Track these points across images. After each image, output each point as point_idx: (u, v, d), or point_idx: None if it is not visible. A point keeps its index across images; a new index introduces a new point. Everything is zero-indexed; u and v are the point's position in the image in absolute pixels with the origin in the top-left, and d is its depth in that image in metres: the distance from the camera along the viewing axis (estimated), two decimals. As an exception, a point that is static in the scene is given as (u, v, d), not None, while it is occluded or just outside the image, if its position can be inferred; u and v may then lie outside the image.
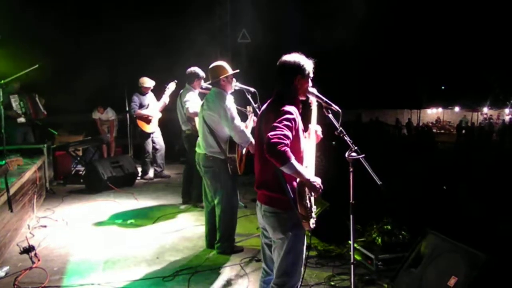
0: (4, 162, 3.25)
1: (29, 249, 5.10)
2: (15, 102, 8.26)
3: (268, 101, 3.20)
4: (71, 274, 4.58)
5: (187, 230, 5.98)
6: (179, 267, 4.74)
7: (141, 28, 10.12)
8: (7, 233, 5.19)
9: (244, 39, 11.61)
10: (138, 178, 8.89)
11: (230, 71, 4.98)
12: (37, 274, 4.57)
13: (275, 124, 2.86)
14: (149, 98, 8.78)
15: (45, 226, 6.11)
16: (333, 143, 7.74)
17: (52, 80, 8.39)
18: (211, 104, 4.89)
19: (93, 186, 8.00)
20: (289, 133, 2.85)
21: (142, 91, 8.75)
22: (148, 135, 8.81)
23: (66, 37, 9.45)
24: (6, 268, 4.58)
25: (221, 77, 4.92)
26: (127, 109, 9.87)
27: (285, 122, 2.88)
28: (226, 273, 4.63)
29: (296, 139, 2.96)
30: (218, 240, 5.10)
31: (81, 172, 8.95)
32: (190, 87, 6.70)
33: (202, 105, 5.08)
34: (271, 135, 2.80)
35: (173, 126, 7.92)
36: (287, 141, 2.81)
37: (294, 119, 2.93)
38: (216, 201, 4.99)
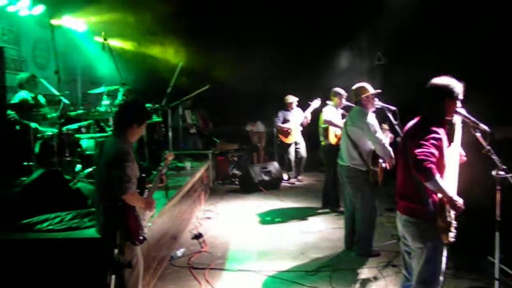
0: (163, 159, 3.65)
1: (198, 236, 5.57)
2: (188, 116, 9.13)
3: (415, 119, 3.10)
4: (231, 260, 4.89)
5: (326, 231, 5.98)
6: (321, 264, 4.78)
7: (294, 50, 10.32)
8: (183, 221, 5.74)
9: (379, 61, 11.29)
10: (283, 182, 9.14)
11: (371, 91, 4.92)
12: (204, 257, 4.98)
13: (422, 142, 2.78)
14: (294, 113, 9.02)
15: (209, 218, 6.62)
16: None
17: (214, 96, 9.03)
18: (355, 120, 4.90)
19: (246, 188, 8.45)
20: (435, 151, 2.76)
21: (287, 107, 9.08)
22: (288, 145, 9.07)
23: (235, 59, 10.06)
24: (182, 250, 5.08)
25: (362, 96, 4.91)
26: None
27: (432, 141, 2.79)
28: (364, 274, 4.53)
29: (441, 158, 2.84)
30: (356, 243, 5.03)
31: (236, 175, 9.47)
32: (332, 104, 6.77)
33: (346, 122, 5.11)
34: (418, 152, 2.73)
35: (315, 138, 8.01)
36: (433, 159, 2.73)
37: (440, 139, 2.83)
38: (356, 208, 4.94)
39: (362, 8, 9.82)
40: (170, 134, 7.44)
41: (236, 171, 9.64)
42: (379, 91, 4.98)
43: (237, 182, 9.08)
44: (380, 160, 4.87)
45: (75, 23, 8.51)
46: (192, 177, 6.55)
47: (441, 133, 2.86)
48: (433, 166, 2.70)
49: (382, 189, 5.30)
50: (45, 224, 3.96)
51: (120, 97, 6.90)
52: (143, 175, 3.33)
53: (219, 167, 9.35)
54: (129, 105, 3.40)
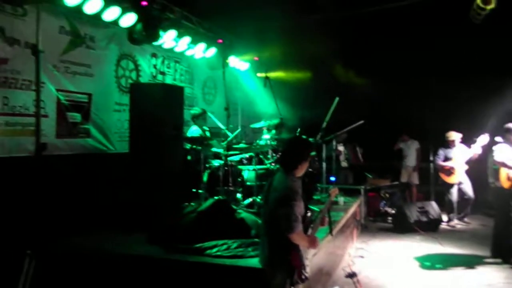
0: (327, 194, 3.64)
1: (352, 275, 5.38)
2: (341, 149, 9.15)
3: None
4: (389, 306, 4.65)
5: (499, 285, 5.27)
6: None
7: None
8: (336, 257, 5.69)
9: None
10: (443, 224, 8.44)
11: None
12: (360, 299, 4.82)
13: None
14: (456, 150, 8.43)
15: (362, 257, 6.42)
16: None
17: (367, 130, 8.91)
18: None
19: (400, 227, 8.03)
20: None
21: (448, 145, 8.53)
22: (450, 185, 8.44)
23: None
24: (336, 288, 5.01)
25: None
26: (430, 158, 9.61)
27: None
28: None
29: None
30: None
31: (389, 213, 9.09)
32: (505, 141, 6.12)
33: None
34: None
35: (482, 177, 7.29)
36: None
37: None
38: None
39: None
40: (324, 167, 7.54)
41: (388, 209, 9.25)
42: None
43: (389, 220, 8.71)
44: None
45: (239, 62, 9.32)
46: (346, 212, 6.48)
47: None
48: None
49: None
50: (214, 250, 4.30)
51: (272, 132, 7.24)
52: (308, 212, 3.38)
53: (370, 203, 9.08)
54: (298, 143, 3.51)
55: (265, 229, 3.37)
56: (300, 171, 3.36)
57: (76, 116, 5.96)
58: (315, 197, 7.14)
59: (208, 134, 7.12)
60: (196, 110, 7.13)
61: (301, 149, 3.40)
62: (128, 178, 5.71)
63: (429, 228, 7.98)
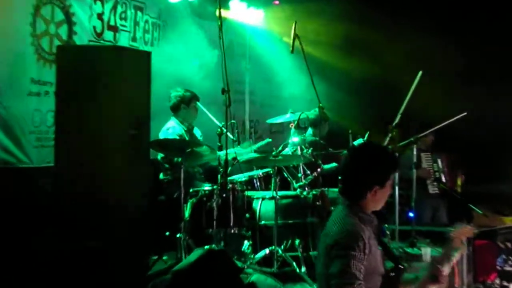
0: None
1: None
2: (426, 162, 9.02)
3: None
4: None
5: None
6: None
7: None
8: None
9: None
10: None
11: None
12: None
13: None
14: None
15: None
16: None
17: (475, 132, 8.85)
18: None
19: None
20: None
21: None
22: None
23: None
24: None
25: None
26: None
27: None
28: None
29: None
30: None
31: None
32: None
33: None
34: None
35: None
36: None
37: None
38: None
39: None
40: (396, 194, 7.44)
41: (511, 268, 9.15)
42: None
43: (514, 289, 8.64)
44: None
45: (246, 10, 9.33)
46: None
47: None
48: None
49: None
50: None
51: (308, 131, 7.22)
52: (392, 274, 3.36)
53: (479, 257, 8.98)
54: (363, 156, 3.44)
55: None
56: (373, 203, 3.32)
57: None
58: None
59: (198, 135, 7.11)
60: (179, 93, 7.07)
61: (367, 166, 3.32)
62: (52, 211, 5.70)
63: None
